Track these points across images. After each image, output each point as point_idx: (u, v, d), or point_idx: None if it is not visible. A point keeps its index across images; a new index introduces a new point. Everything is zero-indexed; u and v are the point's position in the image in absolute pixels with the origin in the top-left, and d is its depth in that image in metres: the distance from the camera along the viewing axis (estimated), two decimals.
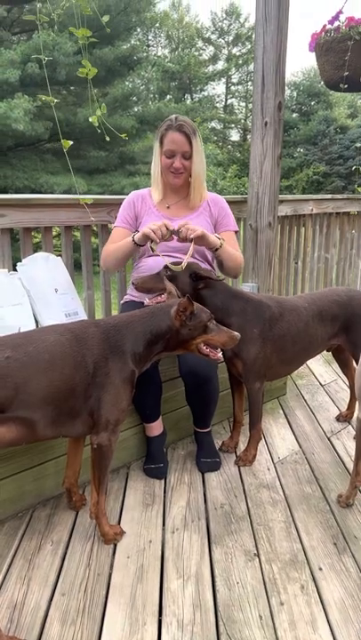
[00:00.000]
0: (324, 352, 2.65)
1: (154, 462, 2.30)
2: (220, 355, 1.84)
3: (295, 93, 27.77)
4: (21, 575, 1.68)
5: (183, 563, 1.75)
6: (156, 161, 2.29)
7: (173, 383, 2.43)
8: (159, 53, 30.29)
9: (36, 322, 2.18)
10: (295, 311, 2.29)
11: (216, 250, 2.17)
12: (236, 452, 2.47)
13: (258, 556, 1.78)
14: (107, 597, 1.60)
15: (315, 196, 4.04)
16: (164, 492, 2.17)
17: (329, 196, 4.20)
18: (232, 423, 2.55)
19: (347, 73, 2.79)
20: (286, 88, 2.75)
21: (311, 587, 1.65)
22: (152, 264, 2.25)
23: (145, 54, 16.74)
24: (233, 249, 2.29)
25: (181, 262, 2.06)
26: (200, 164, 2.27)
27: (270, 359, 2.26)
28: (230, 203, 2.48)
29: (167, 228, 2.02)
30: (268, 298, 2.31)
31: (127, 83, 13.74)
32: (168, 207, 2.34)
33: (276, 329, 2.23)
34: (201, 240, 2.07)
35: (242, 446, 2.49)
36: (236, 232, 2.42)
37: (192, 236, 2.02)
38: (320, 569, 1.73)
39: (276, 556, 1.78)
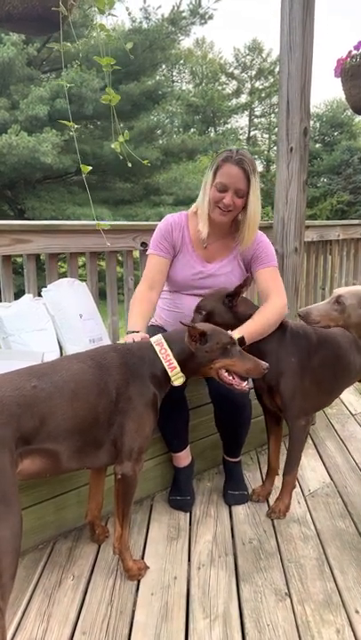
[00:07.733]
0: None
1: (180, 494, 2.21)
2: (244, 385, 1.72)
3: (318, 124, 28.02)
4: (41, 611, 1.61)
5: (210, 601, 1.66)
6: (205, 192, 2.07)
7: (200, 410, 2.36)
8: (183, 88, 31.01)
9: (60, 347, 2.16)
10: (333, 339, 2.15)
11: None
12: (268, 502, 2.25)
13: (289, 596, 1.68)
14: (129, 637, 1.52)
15: (342, 222, 3.99)
16: (190, 525, 2.08)
17: (356, 222, 4.14)
18: (263, 462, 2.45)
19: None
20: None
21: (348, 632, 1.54)
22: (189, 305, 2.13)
23: (170, 89, 17.16)
24: (273, 288, 2.13)
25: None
26: (256, 205, 2.07)
27: (310, 391, 2.08)
28: None
29: None
30: (304, 324, 2.20)
31: (152, 116, 14.07)
32: (205, 247, 2.17)
33: (316, 358, 2.07)
34: None
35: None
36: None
37: None
38: (357, 612, 1.61)
39: (308, 597, 1.68)
